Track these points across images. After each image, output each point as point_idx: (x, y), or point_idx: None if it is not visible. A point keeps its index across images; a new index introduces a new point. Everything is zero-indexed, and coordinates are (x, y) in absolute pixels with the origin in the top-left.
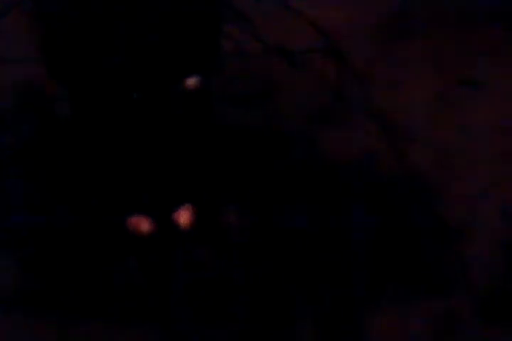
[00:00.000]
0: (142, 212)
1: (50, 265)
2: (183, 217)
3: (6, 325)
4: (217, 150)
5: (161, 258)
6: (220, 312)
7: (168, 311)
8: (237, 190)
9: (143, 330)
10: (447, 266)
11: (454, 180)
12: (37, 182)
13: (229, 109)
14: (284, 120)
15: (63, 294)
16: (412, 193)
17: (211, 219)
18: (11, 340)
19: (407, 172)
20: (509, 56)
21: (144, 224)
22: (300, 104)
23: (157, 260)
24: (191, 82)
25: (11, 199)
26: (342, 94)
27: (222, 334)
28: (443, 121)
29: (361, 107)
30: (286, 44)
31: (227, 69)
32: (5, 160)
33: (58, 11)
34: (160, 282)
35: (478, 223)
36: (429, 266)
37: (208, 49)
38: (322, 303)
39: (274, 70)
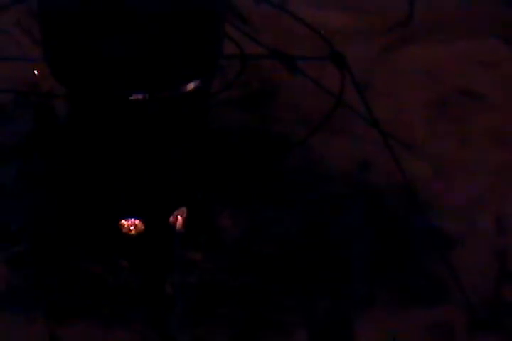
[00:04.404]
0: (136, 215)
1: (39, 264)
2: (178, 220)
3: None
4: (212, 153)
5: (153, 261)
6: (212, 315)
7: (159, 313)
8: (231, 194)
9: (134, 331)
10: (441, 275)
11: (451, 190)
12: (31, 180)
13: (226, 111)
14: (282, 125)
15: (53, 294)
16: (408, 202)
17: (205, 222)
18: None
19: (405, 181)
20: (509, 67)
21: (137, 227)
22: (298, 110)
23: (150, 262)
24: (189, 84)
25: (3, 197)
26: (341, 100)
27: (214, 337)
28: (441, 130)
29: (360, 115)
30: (286, 48)
31: (226, 72)
32: (1, 156)
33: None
34: (152, 284)
35: (474, 233)
36: (424, 275)
37: (208, 52)
38: (315, 309)
39: (273, 74)
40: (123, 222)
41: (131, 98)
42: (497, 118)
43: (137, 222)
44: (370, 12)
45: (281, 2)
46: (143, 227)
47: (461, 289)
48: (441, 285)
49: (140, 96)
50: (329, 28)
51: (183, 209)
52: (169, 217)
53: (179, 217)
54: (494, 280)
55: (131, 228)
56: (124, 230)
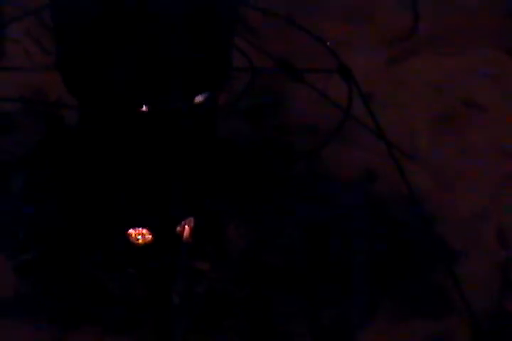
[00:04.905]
0: (143, 224)
1: (46, 272)
2: (185, 229)
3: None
4: (220, 163)
5: (160, 270)
6: (217, 325)
7: (166, 322)
8: (238, 204)
9: (138, 339)
10: (444, 286)
11: (454, 201)
12: (38, 189)
13: (233, 122)
14: (288, 135)
15: (60, 302)
16: (411, 212)
17: (213, 232)
18: None
19: (408, 191)
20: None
21: (144, 236)
22: (305, 120)
23: (157, 272)
24: (198, 97)
25: (12, 205)
26: (348, 111)
27: None
28: (445, 142)
29: (366, 126)
30: (293, 59)
31: (234, 84)
32: (9, 166)
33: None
34: (159, 293)
35: (477, 244)
36: (426, 286)
37: (218, 65)
38: (319, 318)
39: (280, 86)
40: (130, 231)
41: (141, 110)
42: (500, 129)
43: (145, 231)
44: (375, 24)
45: (288, 14)
46: (150, 237)
47: (464, 300)
48: (444, 296)
49: (149, 108)
50: (335, 39)
51: (191, 219)
52: (176, 226)
53: (186, 226)
54: (497, 291)
55: (139, 237)
56: (131, 239)
